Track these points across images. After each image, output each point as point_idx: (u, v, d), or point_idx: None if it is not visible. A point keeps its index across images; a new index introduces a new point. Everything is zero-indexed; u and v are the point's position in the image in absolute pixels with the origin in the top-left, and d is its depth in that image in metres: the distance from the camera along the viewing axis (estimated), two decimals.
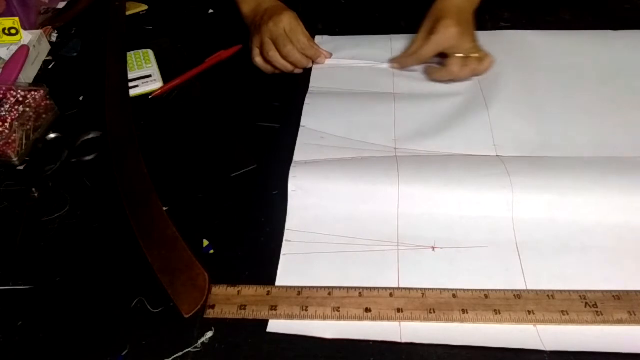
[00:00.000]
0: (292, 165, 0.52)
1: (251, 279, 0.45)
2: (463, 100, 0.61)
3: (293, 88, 0.65)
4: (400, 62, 0.66)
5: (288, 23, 0.64)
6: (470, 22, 0.63)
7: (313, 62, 0.67)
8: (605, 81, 0.63)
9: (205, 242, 0.49)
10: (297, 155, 0.54)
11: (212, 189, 0.54)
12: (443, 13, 0.61)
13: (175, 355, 0.40)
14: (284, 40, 0.63)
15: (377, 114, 0.60)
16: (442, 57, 0.63)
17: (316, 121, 0.59)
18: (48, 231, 0.50)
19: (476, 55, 0.62)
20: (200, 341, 0.41)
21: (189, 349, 0.40)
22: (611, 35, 0.70)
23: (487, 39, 0.70)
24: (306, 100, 0.62)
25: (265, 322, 0.42)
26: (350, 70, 0.67)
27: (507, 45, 0.69)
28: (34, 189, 0.54)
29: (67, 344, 0.42)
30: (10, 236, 0.50)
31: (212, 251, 0.48)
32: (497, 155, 0.54)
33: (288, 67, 0.65)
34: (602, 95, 0.61)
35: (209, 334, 0.41)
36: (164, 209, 0.50)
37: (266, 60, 0.65)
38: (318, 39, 0.71)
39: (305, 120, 0.59)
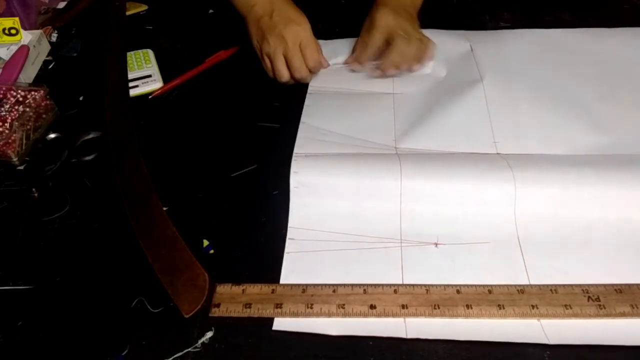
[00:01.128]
0: (293, 158, 0.51)
1: (251, 279, 0.45)
2: (463, 99, 0.61)
3: (293, 88, 0.65)
4: (358, 59, 0.65)
5: (306, 37, 0.61)
6: (412, 15, 0.65)
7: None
8: (605, 78, 0.63)
9: (205, 242, 0.49)
10: (297, 148, 0.54)
11: (212, 189, 0.54)
12: (379, 5, 0.63)
13: (175, 355, 0.40)
14: (297, 54, 0.61)
15: (377, 115, 0.60)
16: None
17: (316, 119, 0.59)
18: (48, 231, 0.50)
19: (418, 36, 0.62)
20: (200, 341, 0.41)
21: (189, 349, 0.40)
22: (610, 33, 0.70)
23: (487, 38, 0.70)
24: (306, 102, 0.61)
25: (266, 322, 0.42)
26: (349, 71, 0.67)
27: (506, 44, 0.69)
28: (34, 189, 0.54)
29: (67, 344, 0.42)
30: (10, 236, 0.50)
31: (212, 251, 0.48)
32: (497, 153, 0.54)
33: (291, 82, 0.63)
34: (601, 92, 0.61)
35: (209, 334, 0.41)
36: (164, 209, 0.50)
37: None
38: None
39: (306, 118, 0.59)
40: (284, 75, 0.62)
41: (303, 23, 0.62)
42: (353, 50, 0.67)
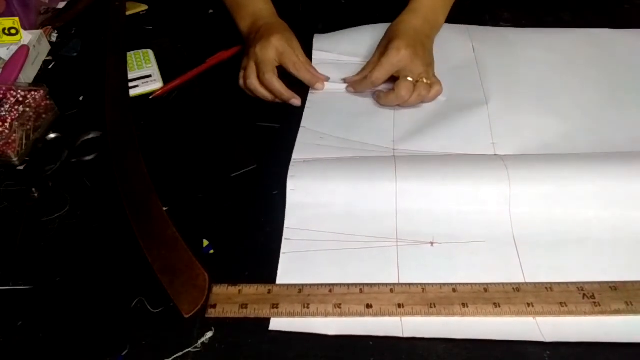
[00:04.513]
0: (291, 164, 0.52)
1: (251, 279, 0.45)
2: (462, 100, 0.61)
3: (294, 88, 0.65)
4: (354, 86, 0.62)
5: (279, 47, 0.60)
6: (426, 46, 0.61)
7: (310, 88, 0.63)
8: (605, 80, 0.63)
9: (205, 242, 0.49)
10: (296, 154, 0.54)
11: (212, 189, 0.54)
12: (397, 34, 0.60)
13: (175, 355, 0.40)
14: (266, 66, 0.59)
15: (377, 116, 0.60)
16: (393, 81, 0.60)
17: (316, 122, 0.59)
18: (48, 231, 0.50)
19: (426, 81, 0.58)
20: (200, 341, 0.41)
21: (189, 349, 0.40)
22: (609, 34, 0.70)
23: (487, 35, 0.70)
24: (307, 104, 0.61)
25: (265, 322, 0.42)
26: (350, 70, 0.66)
27: (508, 44, 0.69)
28: (34, 189, 0.54)
29: (67, 344, 0.42)
30: (10, 236, 0.50)
31: (212, 251, 0.48)
32: (495, 154, 0.54)
33: (267, 97, 0.61)
34: (601, 93, 0.61)
35: (209, 334, 0.41)
36: (164, 209, 0.50)
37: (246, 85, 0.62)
38: (316, 37, 0.71)
39: (306, 122, 0.59)
40: (249, 76, 0.60)
41: (277, 35, 0.60)
42: (363, 70, 0.63)
